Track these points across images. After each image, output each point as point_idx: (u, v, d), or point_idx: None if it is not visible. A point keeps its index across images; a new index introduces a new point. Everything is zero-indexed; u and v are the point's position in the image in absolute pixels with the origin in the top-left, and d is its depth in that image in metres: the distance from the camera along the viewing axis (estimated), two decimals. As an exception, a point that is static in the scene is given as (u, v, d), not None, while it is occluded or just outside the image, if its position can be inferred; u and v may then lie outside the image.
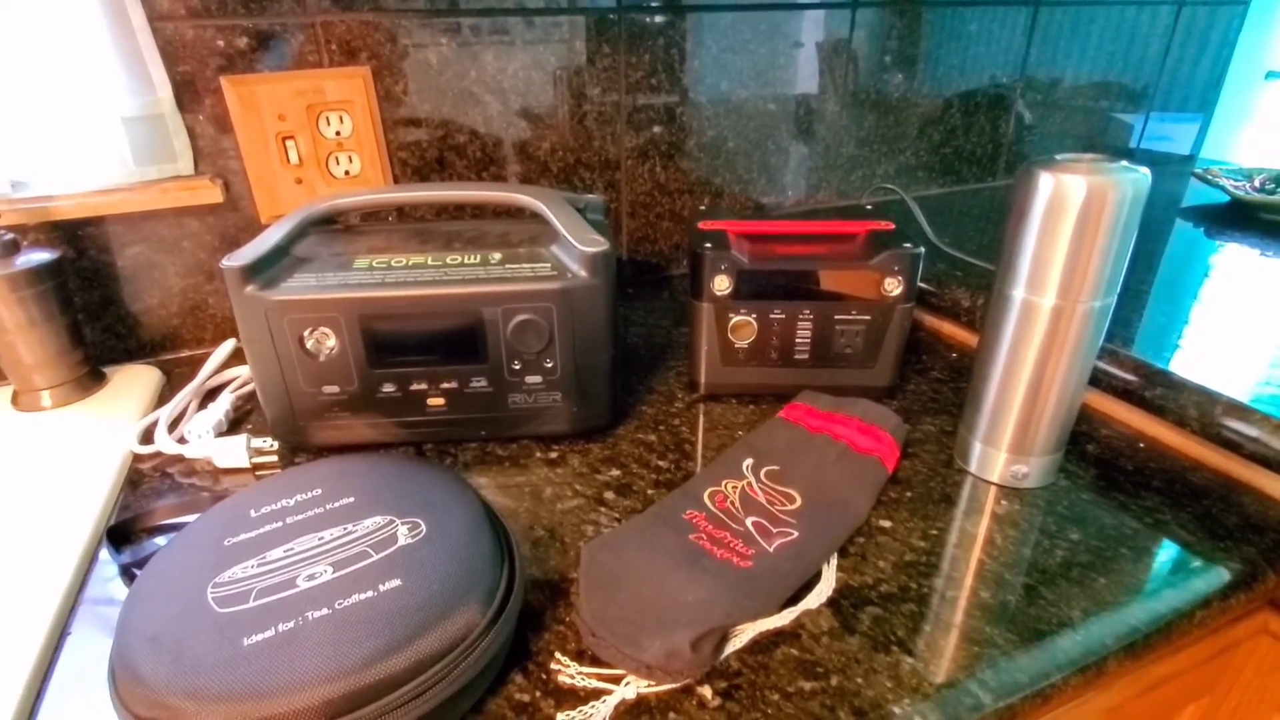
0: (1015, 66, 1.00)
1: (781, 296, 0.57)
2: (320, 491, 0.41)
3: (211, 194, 0.66)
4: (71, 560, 0.45)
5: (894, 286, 0.56)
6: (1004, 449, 0.49)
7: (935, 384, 0.64)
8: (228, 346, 0.67)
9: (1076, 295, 0.44)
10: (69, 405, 0.62)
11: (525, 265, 0.52)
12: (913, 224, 0.82)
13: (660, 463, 0.54)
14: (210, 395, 0.63)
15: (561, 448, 0.56)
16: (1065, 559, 0.44)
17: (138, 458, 0.56)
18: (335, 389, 0.53)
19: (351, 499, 0.40)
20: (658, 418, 0.60)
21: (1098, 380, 0.57)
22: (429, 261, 0.53)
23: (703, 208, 0.69)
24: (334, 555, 0.36)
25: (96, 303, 0.67)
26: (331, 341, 0.51)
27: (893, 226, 0.60)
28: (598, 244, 0.51)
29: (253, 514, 0.39)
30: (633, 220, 0.84)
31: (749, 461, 0.50)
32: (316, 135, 0.68)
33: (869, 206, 0.67)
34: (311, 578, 0.35)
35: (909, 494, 0.50)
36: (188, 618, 0.33)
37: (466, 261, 0.52)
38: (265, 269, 0.51)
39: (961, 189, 1.03)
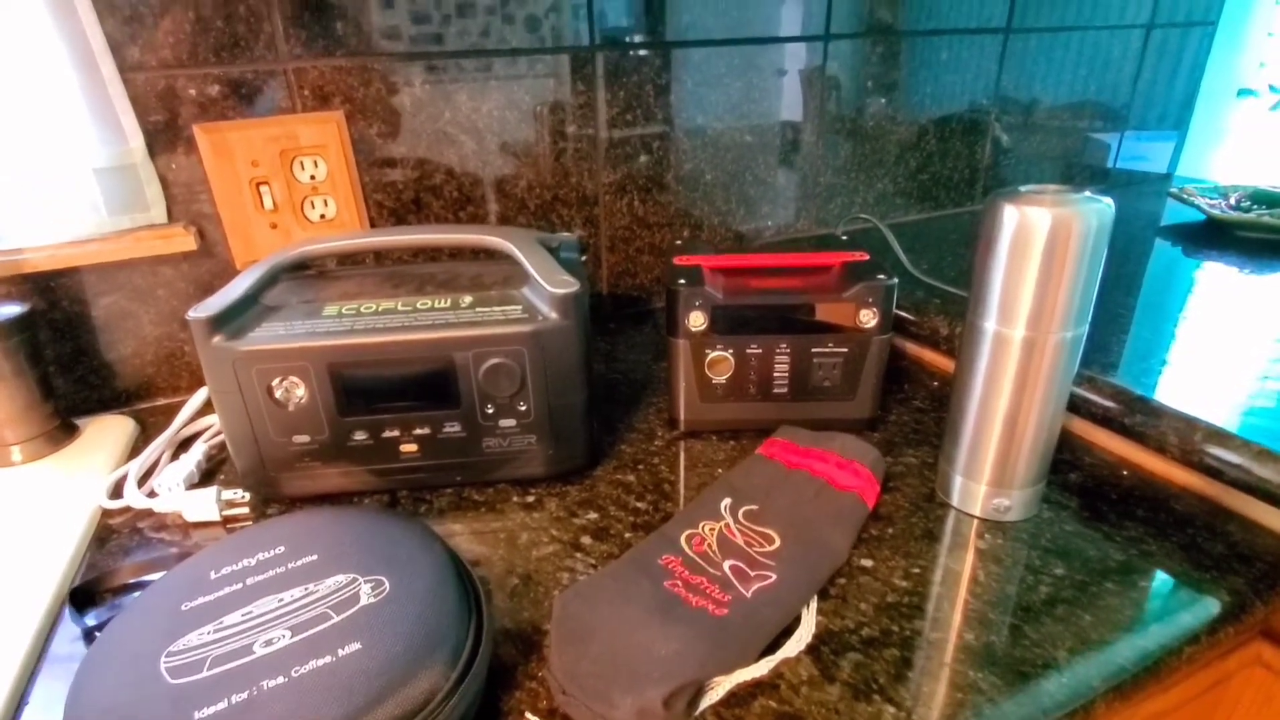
0: (989, 91, 1.01)
1: (758, 331, 0.57)
2: (283, 549, 0.40)
3: (185, 242, 0.66)
4: (32, 624, 0.44)
5: (869, 318, 0.55)
6: (984, 482, 0.49)
7: (917, 414, 0.63)
8: (201, 395, 0.66)
9: (1047, 327, 0.43)
10: (39, 460, 0.61)
11: (496, 308, 0.52)
12: (889, 253, 0.82)
13: (639, 504, 0.53)
14: (185, 445, 0.62)
15: (538, 491, 0.55)
16: (1050, 595, 0.43)
17: (107, 513, 0.55)
18: (306, 438, 0.52)
19: (314, 556, 0.39)
20: (637, 457, 0.59)
21: (1078, 407, 0.57)
22: (399, 307, 0.52)
23: (679, 242, 0.69)
24: (293, 618, 0.35)
25: (69, 354, 0.66)
26: (300, 391, 0.50)
27: (867, 257, 0.60)
28: (568, 285, 0.50)
29: (212, 575, 0.38)
30: (612, 254, 0.84)
31: (727, 501, 0.50)
32: (291, 180, 0.68)
33: (844, 237, 0.67)
34: (269, 643, 0.34)
35: (890, 530, 0.49)
36: (139, 689, 0.32)
37: (437, 305, 0.52)
38: (233, 319, 0.50)
39: (940, 214, 1.04)
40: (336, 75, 0.67)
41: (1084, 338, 0.44)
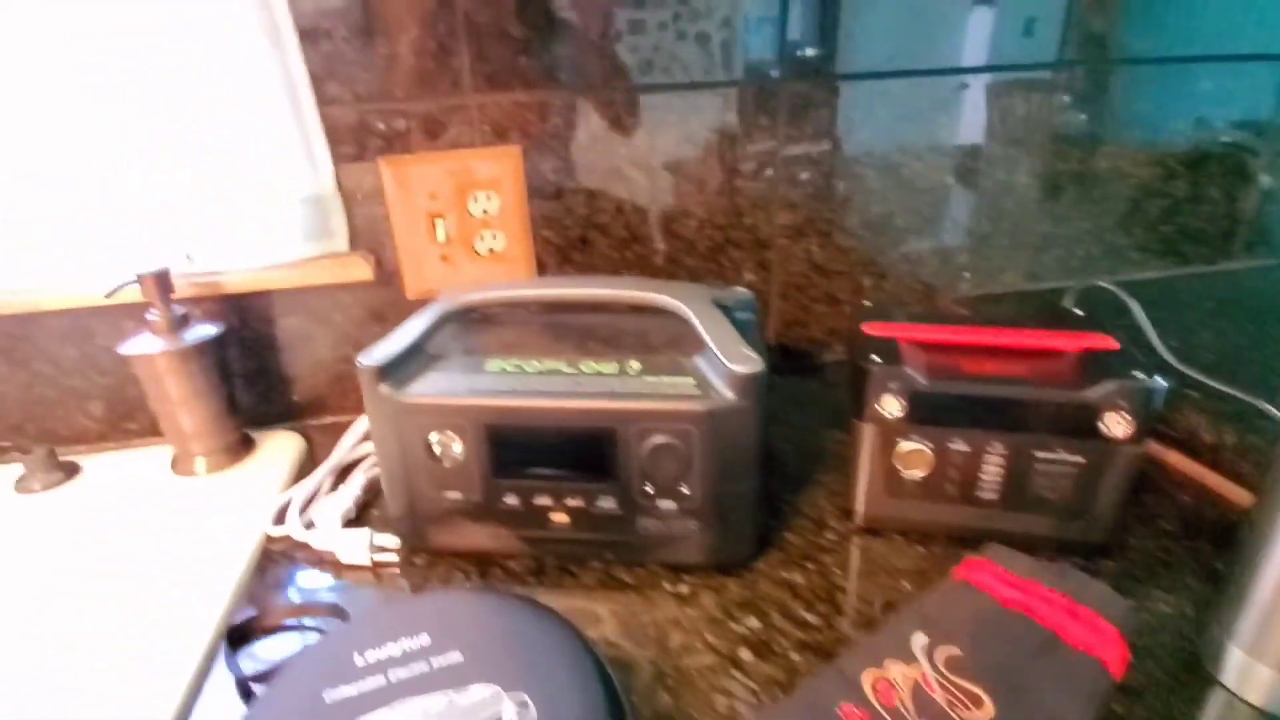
0: (1260, 128, 0.83)
1: (966, 424, 0.48)
2: (428, 641, 0.37)
3: (363, 270, 0.67)
4: (192, 662, 0.45)
5: (1120, 426, 0.45)
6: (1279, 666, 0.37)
7: (1164, 540, 0.51)
8: (365, 422, 0.67)
9: None
10: (219, 471, 0.64)
11: (665, 378, 0.46)
12: (1127, 321, 0.68)
13: (808, 616, 0.46)
14: (348, 470, 0.63)
15: (693, 581, 0.49)
16: None
17: (270, 539, 0.56)
18: (458, 495, 0.50)
19: (459, 656, 0.36)
20: (805, 550, 0.51)
21: None
22: (563, 368, 0.48)
23: (867, 303, 0.61)
24: (432, 736, 0.32)
25: (252, 370, 0.70)
26: (457, 447, 0.48)
27: (1117, 346, 0.49)
28: (750, 362, 0.44)
29: (357, 660, 0.36)
30: (784, 303, 0.77)
31: (922, 639, 0.41)
32: (464, 214, 0.67)
33: (1078, 310, 0.56)
34: (404, 767, 0.30)
35: (1139, 711, 0.38)
36: (272, 800, 0.30)
37: (603, 371, 0.48)
38: (398, 368, 0.49)
39: (1186, 272, 0.87)
40: (515, 109, 0.65)
41: None
